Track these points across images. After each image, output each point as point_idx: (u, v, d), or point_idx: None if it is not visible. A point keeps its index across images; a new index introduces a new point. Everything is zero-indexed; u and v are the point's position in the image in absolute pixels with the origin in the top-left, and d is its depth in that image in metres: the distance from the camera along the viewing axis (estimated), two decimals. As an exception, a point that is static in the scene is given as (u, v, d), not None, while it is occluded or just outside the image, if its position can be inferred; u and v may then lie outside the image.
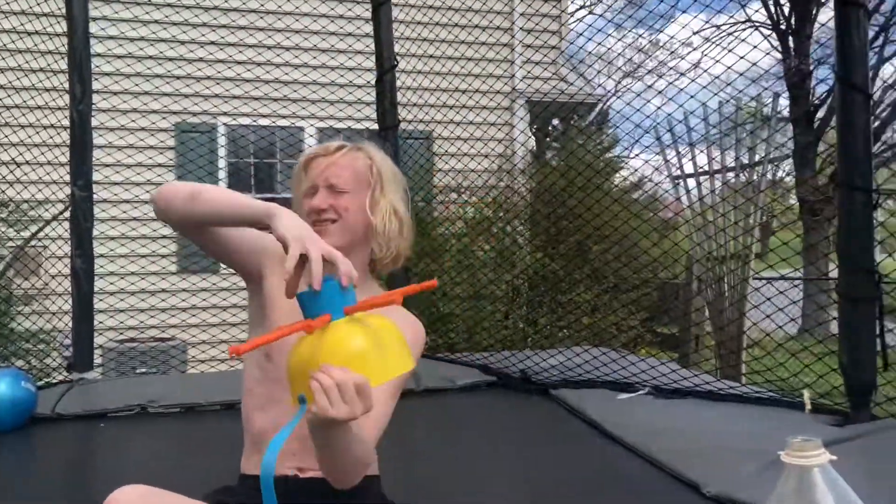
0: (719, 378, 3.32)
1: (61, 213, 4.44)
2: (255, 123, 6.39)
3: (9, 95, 4.45)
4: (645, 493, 2.10)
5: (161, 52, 6.17)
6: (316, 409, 1.04)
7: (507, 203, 6.01)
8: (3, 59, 4.51)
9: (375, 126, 4.14)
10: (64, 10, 3.54)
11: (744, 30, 11.43)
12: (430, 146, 6.29)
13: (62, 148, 3.75)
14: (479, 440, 2.75)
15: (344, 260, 1.12)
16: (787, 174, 11.34)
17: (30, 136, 4.34)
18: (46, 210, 4.80)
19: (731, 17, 10.97)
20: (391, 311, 1.48)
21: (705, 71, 4.10)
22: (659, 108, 4.46)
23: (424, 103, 4.62)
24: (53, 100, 4.09)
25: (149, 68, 6.19)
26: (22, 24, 4.22)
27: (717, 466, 2.04)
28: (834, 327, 2.60)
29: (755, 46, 3.91)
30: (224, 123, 6.50)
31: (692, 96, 4.09)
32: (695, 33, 9.38)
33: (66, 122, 3.56)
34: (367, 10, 4.13)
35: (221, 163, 6.46)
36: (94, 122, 3.67)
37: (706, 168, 4.80)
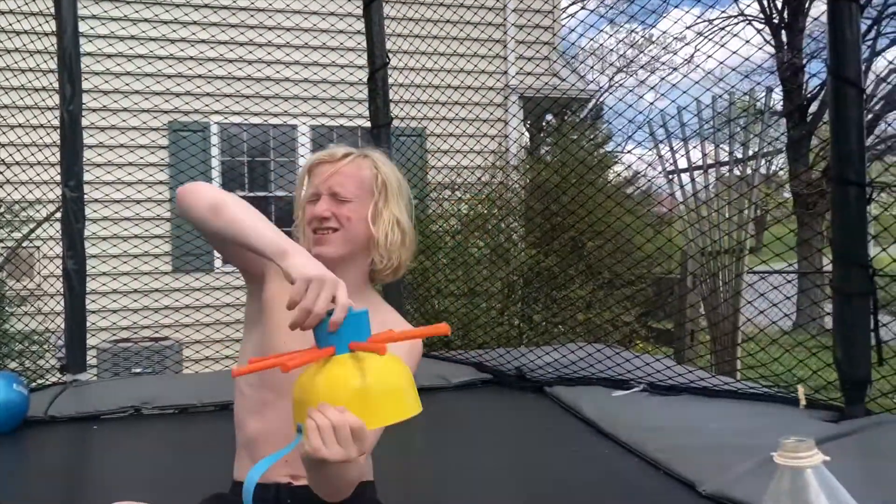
0: (714, 374, 3.32)
1: (52, 214, 4.41)
2: (247, 122, 6.37)
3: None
4: (641, 492, 2.10)
5: (151, 52, 6.14)
6: (308, 448, 1.03)
7: (500, 200, 6.01)
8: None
9: (368, 124, 4.13)
10: (53, 10, 3.52)
11: (737, 23, 11.44)
12: (424, 143, 6.28)
13: (53, 148, 3.72)
14: (475, 439, 2.75)
15: (343, 307, 1.09)
16: (781, 168, 11.37)
17: (20, 137, 4.31)
18: (38, 211, 4.77)
19: (723, 11, 10.97)
20: (388, 314, 1.48)
21: (698, 66, 4.11)
22: (652, 103, 4.46)
23: (417, 100, 4.61)
24: (43, 100, 4.06)
25: (139, 67, 6.16)
26: (10, 24, 4.19)
27: (713, 464, 2.04)
28: (828, 322, 2.60)
29: (747, 41, 3.92)
30: (216, 122, 6.48)
31: (685, 91, 4.09)
32: (687, 28, 9.40)
33: (57, 123, 3.53)
34: (358, 7, 4.12)
35: (214, 162, 6.44)
36: (84, 122, 3.64)
37: (700, 163, 4.80)
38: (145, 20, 5.90)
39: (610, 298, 5.78)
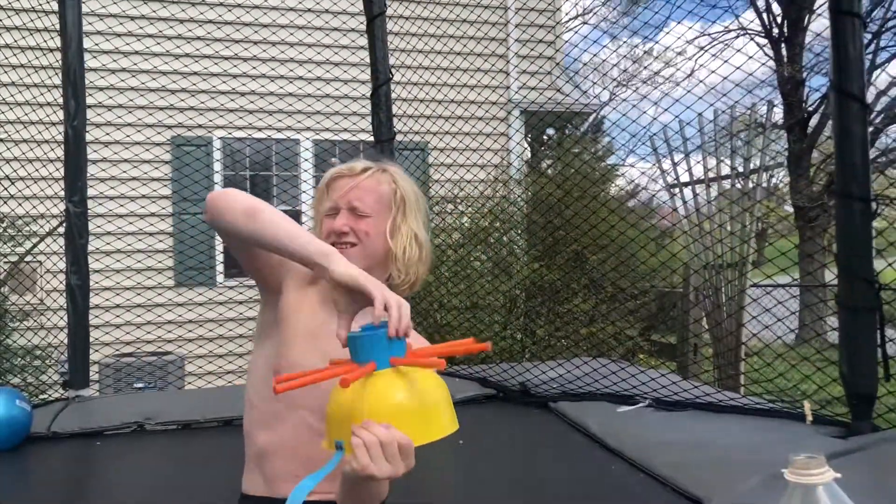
0: (718, 388, 3.31)
1: (55, 229, 4.42)
2: (250, 137, 6.40)
3: (2, 113, 4.44)
4: (647, 509, 2.08)
5: (155, 67, 6.17)
6: (356, 465, 1.02)
7: (503, 214, 6.01)
8: (-1, 74, 4.52)
9: (371, 138, 4.14)
10: (58, 26, 3.54)
11: (736, 37, 11.50)
12: (426, 157, 6.30)
13: (57, 163, 3.73)
14: (479, 455, 2.73)
15: (404, 312, 1.09)
16: (782, 182, 11.38)
17: (24, 153, 4.33)
18: (41, 227, 4.78)
19: (726, 27, 11.02)
20: None
21: (701, 81, 4.12)
22: (655, 118, 4.47)
23: (420, 115, 4.62)
24: (48, 116, 4.08)
25: (143, 83, 6.19)
26: (16, 41, 4.21)
27: (721, 480, 2.02)
28: (832, 336, 2.59)
29: (750, 57, 3.93)
30: (219, 137, 6.50)
31: (688, 107, 4.10)
32: (689, 43, 9.43)
33: (62, 138, 3.54)
34: (361, 23, 4.13)
35: (217, 177, 6.45)
36: (89, 138, 3.66)
37: (702, 177, 4.80)
38: (149, 36, 5.94)
39: (613, 312, 5.77)
